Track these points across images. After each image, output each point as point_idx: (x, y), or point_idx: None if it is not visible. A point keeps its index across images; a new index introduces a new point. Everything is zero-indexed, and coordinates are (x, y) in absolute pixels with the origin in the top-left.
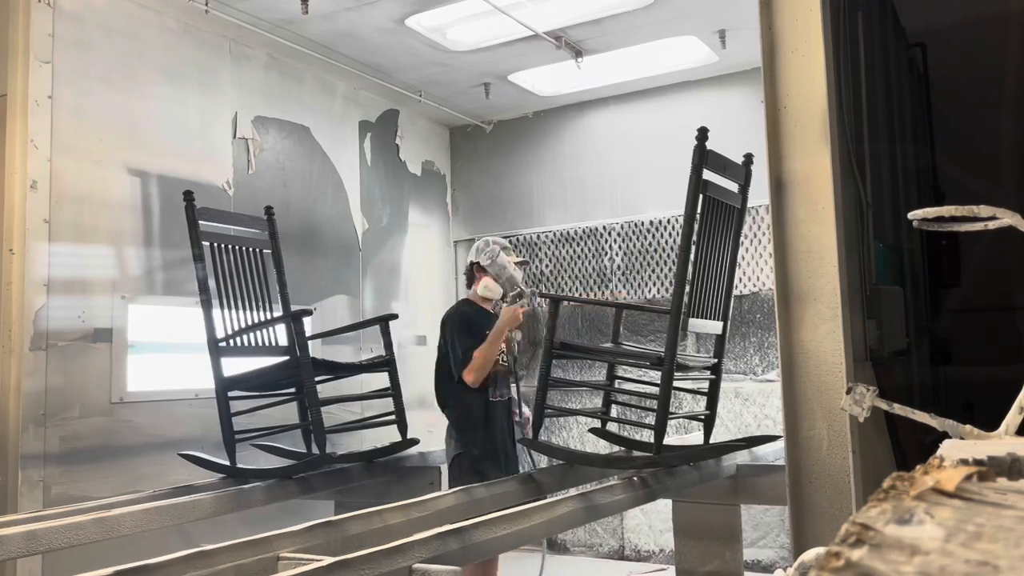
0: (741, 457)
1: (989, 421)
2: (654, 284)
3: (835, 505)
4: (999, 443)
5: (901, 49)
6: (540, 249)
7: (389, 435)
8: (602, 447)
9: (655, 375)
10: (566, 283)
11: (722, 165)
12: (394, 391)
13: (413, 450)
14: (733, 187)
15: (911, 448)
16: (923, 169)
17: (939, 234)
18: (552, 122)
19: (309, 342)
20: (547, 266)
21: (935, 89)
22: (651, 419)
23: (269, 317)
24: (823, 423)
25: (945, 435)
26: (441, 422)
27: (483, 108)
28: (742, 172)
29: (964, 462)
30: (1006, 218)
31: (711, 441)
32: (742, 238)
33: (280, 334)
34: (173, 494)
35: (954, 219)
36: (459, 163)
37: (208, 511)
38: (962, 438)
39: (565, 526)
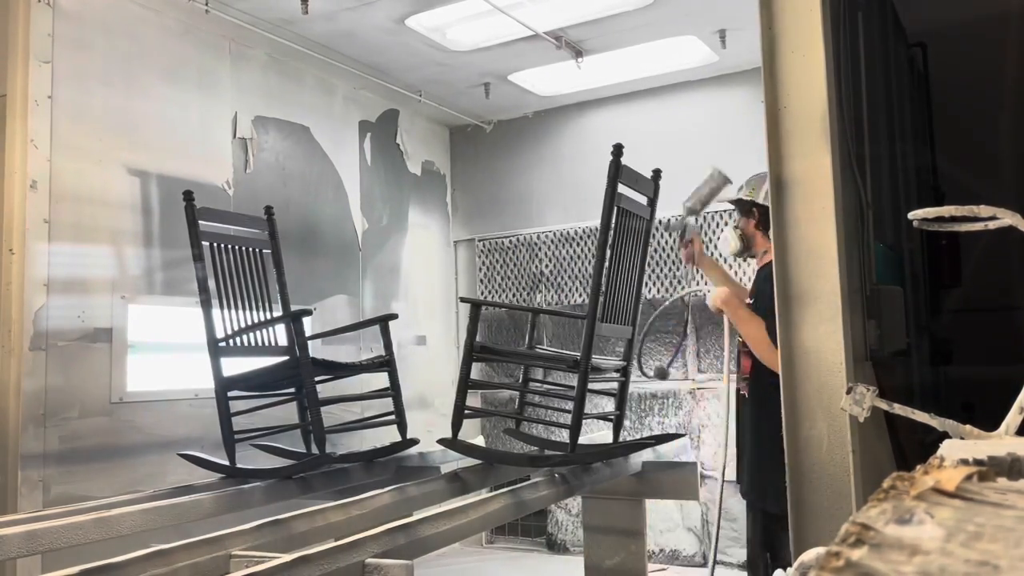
0: (646, 455)
1: (989, 421)
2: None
3: (835, 505)
4: (999, 443)
5: (901, 49)
6: (540, 249)
7: (389, 435)
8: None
9: (571, 378)
10: (566, 283)
11: (634, 179)
12: (394, 391)
13: (413, 450)
14: (643, 200)
15: (911, 448)
16: (923, 169)
17: (939, 234)
18: (552, 122)
19: (309, 342)
20: (547, 266)
21: (935, 89)
22: (566, 419)
23: (269, 317)
24: (823, 423)
25: (945, 435)
26: (440, 422)
27: (483, 108)
28: (651, 186)
29: (964, 462)
30: (1006, 218)
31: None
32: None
33: (280, 334)
34: (173, 494)
35: (954, 219)
36: (459, 163)
37: (208, 511)
38: (962, 438)
39: (497, 520)
